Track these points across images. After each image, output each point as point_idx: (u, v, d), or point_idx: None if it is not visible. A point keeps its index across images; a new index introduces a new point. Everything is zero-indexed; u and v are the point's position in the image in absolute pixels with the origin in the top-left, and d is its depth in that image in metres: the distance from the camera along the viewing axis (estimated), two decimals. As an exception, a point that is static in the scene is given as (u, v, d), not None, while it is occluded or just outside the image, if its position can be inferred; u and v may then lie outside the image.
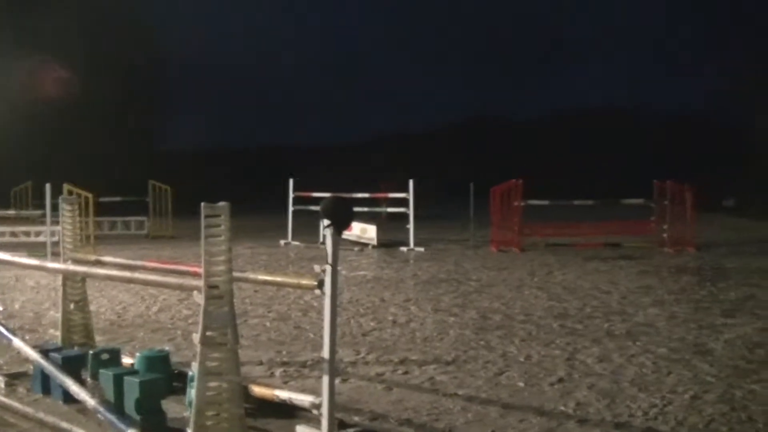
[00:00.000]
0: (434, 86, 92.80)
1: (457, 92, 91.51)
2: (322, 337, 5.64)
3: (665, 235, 21.58)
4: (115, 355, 7.30)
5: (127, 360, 7.57)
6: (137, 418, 6.13)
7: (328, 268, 5.44)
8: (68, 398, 6.81)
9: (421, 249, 21.23)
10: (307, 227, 22.89)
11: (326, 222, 5.53)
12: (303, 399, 6.14)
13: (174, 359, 7.67)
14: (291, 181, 24.01)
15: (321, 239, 19.20)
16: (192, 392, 5.76)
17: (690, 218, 21.71)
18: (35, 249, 18.12)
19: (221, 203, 5.65)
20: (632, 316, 11.37)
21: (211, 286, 5.55)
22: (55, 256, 12.27)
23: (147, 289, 13.14)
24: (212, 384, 5.56)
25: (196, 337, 5.55)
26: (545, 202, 22.79)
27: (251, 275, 6.92)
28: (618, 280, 15.27)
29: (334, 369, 5.65)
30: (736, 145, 45.15)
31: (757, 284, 14.71)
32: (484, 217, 22.53)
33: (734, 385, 7.63)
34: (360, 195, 23.17)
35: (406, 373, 8.13)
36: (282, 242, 23.21)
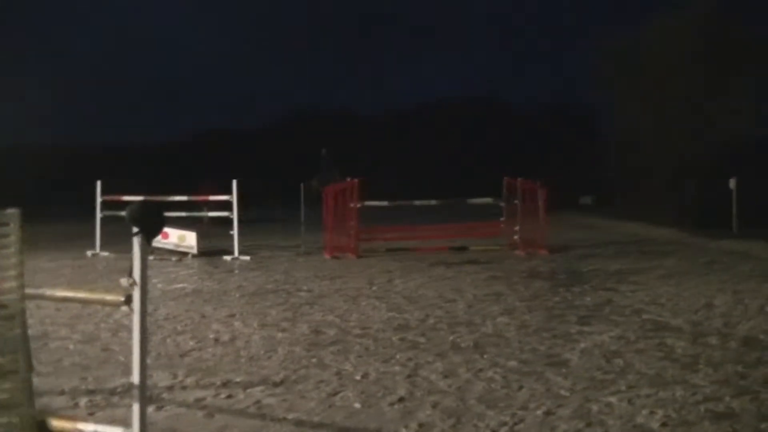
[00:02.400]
0: (264, 79, 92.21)
1: (288, 85, 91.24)
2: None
3: (516, 236, 22.08)
4: None
5: None
6: None
7: (137, 280, 5.32)
8: None
9: (247, 257, 21.09)
10: (117, 236, 22.36)
11: (134, 229, 5.41)
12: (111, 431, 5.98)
13: (-42, 391, 7.34)
14: (98, 184, 23.42)
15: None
16: (-22, 430, 5.53)
17: (542, 218, 22.24)
18: None
19: (10, 210, 5.44)
20: (480, 327, 11.56)
21: (-1, 306, 5.33)
22: None
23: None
24: (1, 420, 5.34)
25: (-19, 366, 5.32)
26: (384, 203, 22.97)
27: (48, 292, 6.69)
28: (464, 288, 15.53)
29: (146, 395, 5.52)
30: (594, 140, 46.59)
31: (615, 288, 15.22)
32: (318, 220, 22.57)
33: (590, 398, 7.83)
34: (177, 198, 22.81)
35: (229, 396, 8.02)
36: (89, 253, 22.65)
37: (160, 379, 8.63)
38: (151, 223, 5.51)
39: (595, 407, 7.53)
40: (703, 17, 32.12)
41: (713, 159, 31.02)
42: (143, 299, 5.37)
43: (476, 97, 69.32)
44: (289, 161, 54.99)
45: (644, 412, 7.37)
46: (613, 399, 7.78)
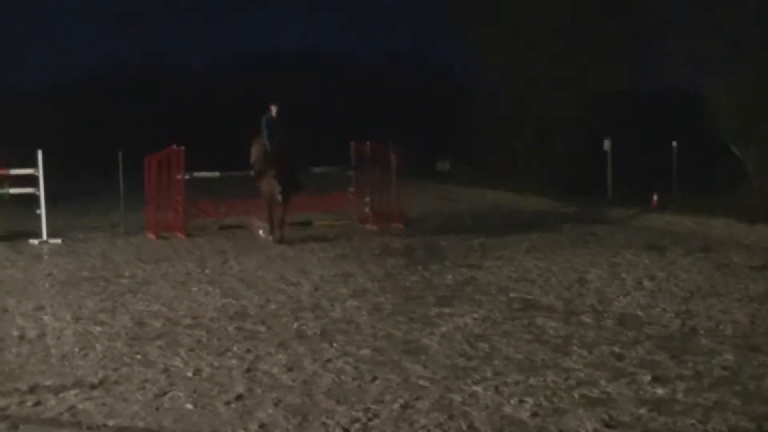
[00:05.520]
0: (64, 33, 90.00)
1: (97, 37, 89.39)
2: None
3: (367, 209, 22.14)
4: None
5: None
6: None
7: None
8: None
9: (58, 240, 20.60)
10: None
11: None
12: None
13: None
14: None
15: None
16: None
17: (396, 187, 22.32)
18: None
19: None
20: (327, 312, 11.59)
21: None
22: None
23: None
24: None
25: None
26: (215, 174, 22.75)
27: None
28: (309, 268, 15.52)
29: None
30: (450, 97, 46.89)
31: (477, 264, 15.43)
32: (141, 195, 22.23)
33: (452, 388, 7.92)
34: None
35: (37, 404, 7.82)
36: None
37: (-47, 386, 8.36)
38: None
39: (457, 398, 7.62)
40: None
41: (586, 118, 31.50)
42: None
43: (311, 51, 69.11)
44: (100, 124, 53.76)
45: (512, 401, 7.50)
46: (477, 388, 7.88)
